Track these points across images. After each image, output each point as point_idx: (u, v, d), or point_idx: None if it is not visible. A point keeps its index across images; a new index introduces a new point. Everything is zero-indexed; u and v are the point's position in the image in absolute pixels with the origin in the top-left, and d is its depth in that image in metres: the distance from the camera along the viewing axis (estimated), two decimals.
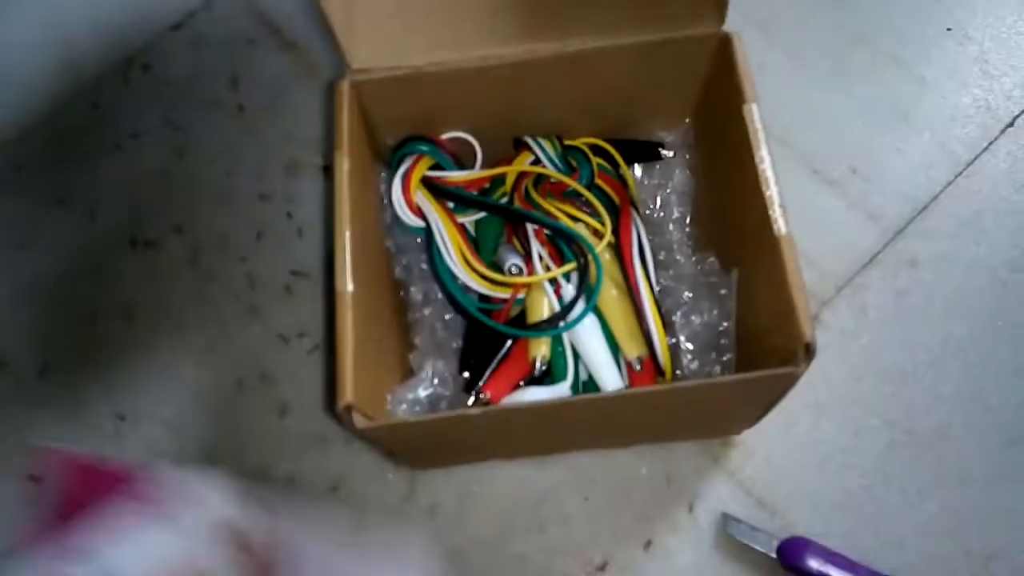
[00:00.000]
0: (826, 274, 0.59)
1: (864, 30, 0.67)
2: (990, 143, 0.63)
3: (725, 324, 0.50)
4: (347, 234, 0.44)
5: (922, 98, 0.65)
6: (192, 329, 0.61)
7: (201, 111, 0.68)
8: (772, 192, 0.44)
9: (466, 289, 0.52)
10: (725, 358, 0.51)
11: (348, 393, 0.41)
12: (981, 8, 0.67)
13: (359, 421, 0.41)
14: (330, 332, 0.46)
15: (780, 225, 0.43)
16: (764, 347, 0.46)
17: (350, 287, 0.43)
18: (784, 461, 0.54)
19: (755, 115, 0.46)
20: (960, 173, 0.62)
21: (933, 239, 0.60)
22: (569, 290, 0.49)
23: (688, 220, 0.57)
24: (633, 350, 0.48)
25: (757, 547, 0.51)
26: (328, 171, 0.64)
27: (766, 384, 0.42)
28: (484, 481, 0.55)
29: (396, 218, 0.53)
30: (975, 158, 0.62)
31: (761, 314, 0.46)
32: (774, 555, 0.51)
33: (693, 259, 0.54)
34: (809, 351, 0.41)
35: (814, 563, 0.50)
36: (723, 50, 0.49)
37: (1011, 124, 0.63)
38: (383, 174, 0.54)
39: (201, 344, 0.60)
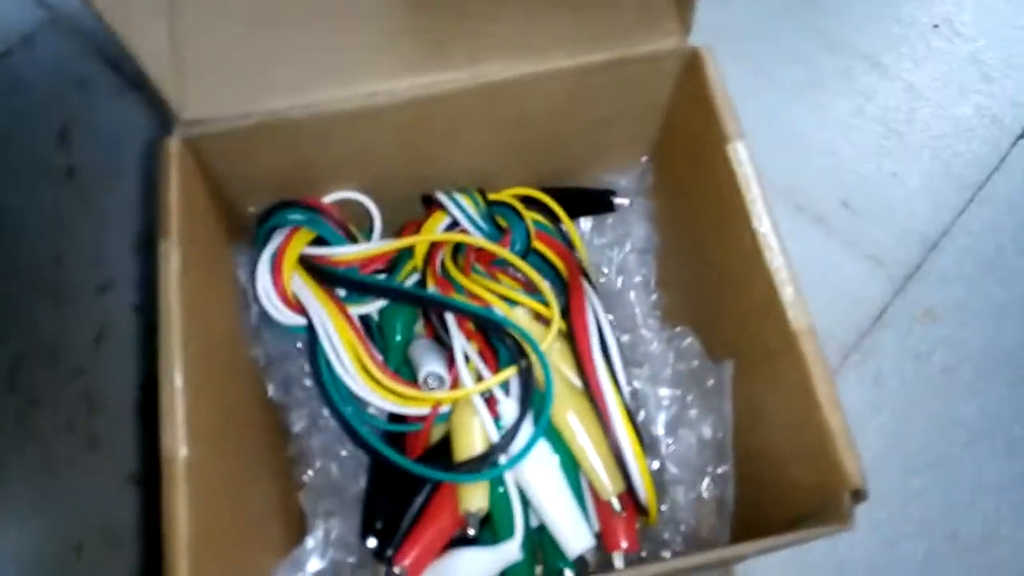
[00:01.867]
0: (828, 336, 0.47)
1: (837, 33, 0.56)
2: (1001, 160, 0.52)
3: (718, 434, 0.37)
4: (177, 365, 0.30)
5: (915, 110, 0.54)
6: (12, 476, 0.45)
7: (20, 178, 0.53)
8: (779, 265, 0.32)
9: (366, 406, 0.38)
10: (719, 471, 0.38)
11: None
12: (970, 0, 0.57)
13: None
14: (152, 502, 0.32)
15: (797, 313, 0.31)
16: (778, 473, 0.33)
17: (183, 451, 0.29)
18: None
19: (743, 158, 0.34)
20: (971, 200, 0.51)
21: (949, 284, 0.49)
22: (509, 406, 0.35)
23: (653, 283, 0.44)
24: (607, 484, 0.34)
25: None
26: None
27: (797, 542, 0.30)
28: None
29: (265, 316, 0.39)
30: (986, 179, 0.52)
31: (772, 429, 0.34)
32: None
33: (665, 337, 0.42)
34: (858, 497, 0.28)
35: None
36: (690, 70, 0.37)
37: (1022, 135, 0.53)
38: (242, 256, 0.40)
39: (24, 496, 0.45)
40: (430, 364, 0.38)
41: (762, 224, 0.32)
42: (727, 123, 0.34)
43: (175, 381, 0.30)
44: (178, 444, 0.29)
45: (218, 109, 0.36)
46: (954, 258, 0.49)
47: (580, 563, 0.35)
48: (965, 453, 0.45)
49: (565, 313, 0.38)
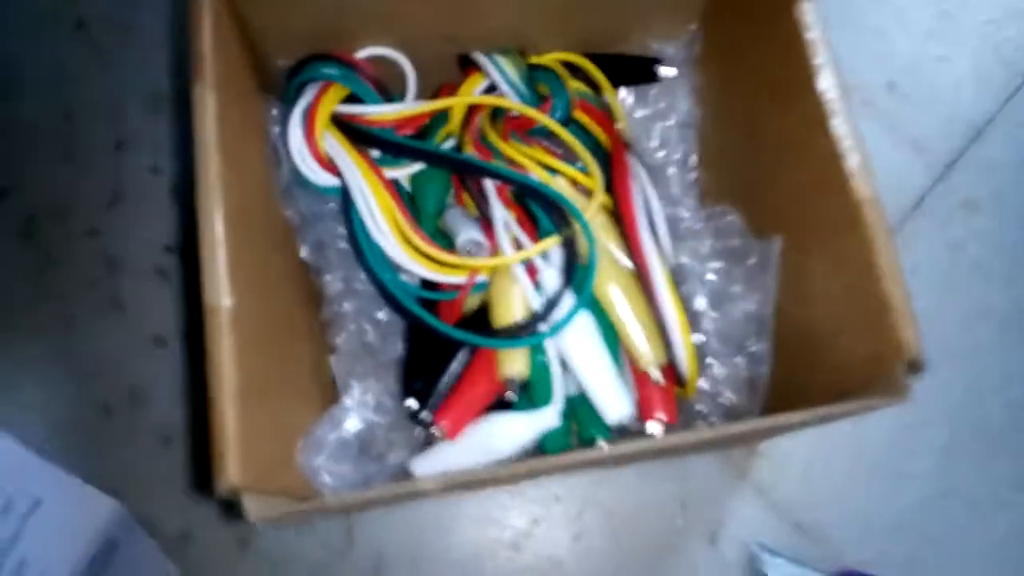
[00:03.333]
0: None
1: None
2: None
3: (760, 310, 0.36)
4: (218, 216, 0.29)
5: None
6: (31, 332, 0.44)
7: (25, 27, 0.50)
8: (844, 132, 0.30)
9: (401, 272, 0.37)
10: (753, 349, 0.38)
11: (232, 470, 0.26)
12: None
13: (254, 509, 0.26)
14: (193, 353, 0.31)
15: (862, 183, 0.29)
16: (824, 350, 0.33)
17: (227, 301, 0.28)
18: (825, 473, 0.42)
19: (811, 18, 0.32)
20: (1019, 88, 0.49)
21: (991, 174, 0.48)
22: (551, 275, 0.35)
23: (691, 162, 0.43)
24: (649, 357, 0.34)
25: None
26: None
27: (848, 413, 0.30)
28: (442, 521, 0.41)
29: (297, 175, 0.37)
30: None
31: (818, 306, 0.33)
32: None
33: (704, 216, 0.40)
34: (915, 368, 0.28)
35: None
36: None
37: None
38: (274, 111, 0.38)
39: (46, 351, 0.44)
40: (469, 231, 0.37)
41: (829, 89, 0.31)
42: None
43: (216, 229, 0.28)
44: (221, 294, 0.28)
45: None
46: (998, 148, 0.48)
47: (617, 431, 0.35)
48: (994, 344, 0.45)
49: (609, 186, 0.37)
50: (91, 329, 0.44)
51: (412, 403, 0.35)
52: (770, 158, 0.36)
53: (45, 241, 0.46)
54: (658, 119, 0.42)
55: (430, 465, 0.34)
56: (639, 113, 0.42)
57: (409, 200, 0.40)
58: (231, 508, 0.26)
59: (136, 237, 0.45)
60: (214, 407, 0.27)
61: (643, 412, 0.35)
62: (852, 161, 0.30)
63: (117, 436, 0.42)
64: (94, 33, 0.50)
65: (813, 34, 0.32)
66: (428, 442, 0.36)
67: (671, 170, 0.42)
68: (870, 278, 0.29)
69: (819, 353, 0.33)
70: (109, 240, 0.46)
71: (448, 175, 0.40)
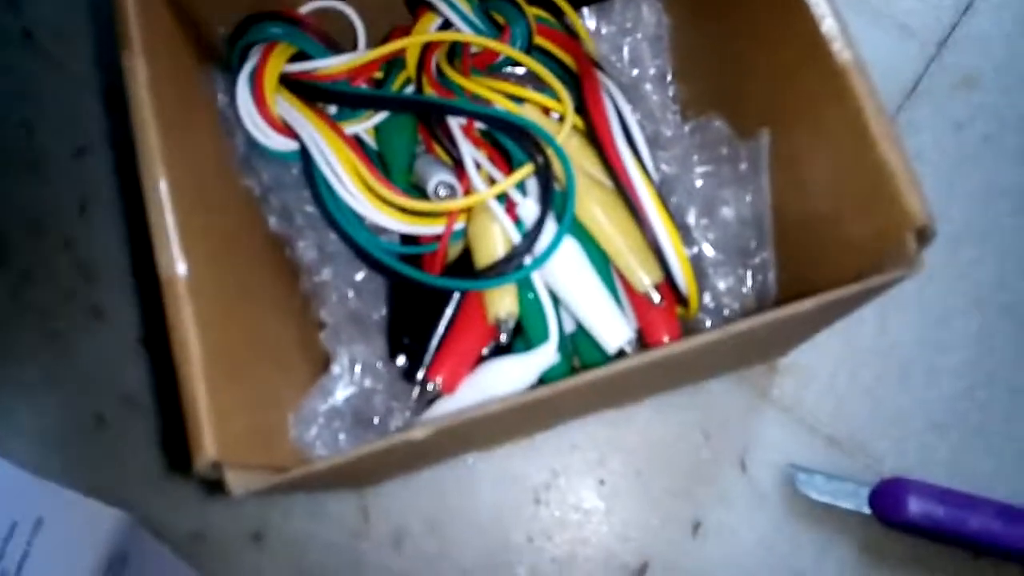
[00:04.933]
0: None
1: None
2: None
3: (756, 212, 0.34)
4: (162, 182, 0.27)
5: None
6: (17, 353, 0.43)
7: None
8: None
9: (376, 230, 0.36)
10: (758, 259, 0.35)
11: (208, 442, 0.24)
12: None
13: (236, 481, 0.25)
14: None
15: (842, 48, 0.27)
16: (829, 240, 0.30)
17: (181, 268, 0.26)
18: (853, 381, 0.40)
19: None
20: None
21: (986, 47, 0.45)
22: (529, 206, 0.33)
23: (669, 75, 0.41)
24: (643, 276, 0.32)
25: (841, 504, 0.38)
26: None
27: (855, 300, 0.27)
28: (460, 485, 0.40)
29: (253, 143, 0.36)
30: None
31: (820, 192, 0.31)
32: (867, 510, 0.37)
33: (687, 128, 0.38)
34: (924, 237, 0.26)
35: (920, 508, 0.37)
36: None
37: None
38: (221, 82, 0.36)
39: (33, 371, 0.43)
40: (439, 173, 0.35)
41: None
42: None
43: (161, 195, 0.27)
44: (175, 261, 0.26)
45: None
46: (990, 18, 0.45)
47: (621, 358, 0.33)
48: (1013, 222, 0.42)
49: (580, 107, 0.35)
50: (75, 341, 0.43)
51: (402, 360, 0.33)
52: (746, 47, 0.34)
53: (19, 259, 0.44)
54: (625, 35, 0.40)
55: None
56: (604, 31, 0.40)
57: (377, 158, 0.38)
58: (216, 487, 0.25)
59: (108, 242, 0.44)
60: (182, 376, 0.25)
61: (647, 337, 0.33)
62: (827, 26, 0.27)
63: (115, 444, 0.41)
64: (40, 41, 0.48)
65: None
66: (428, 401, 0.34)
67: (647, 86, 0.40)
68: (864, 147, 0.26)
69: (824, 244, 0.31)
70: (81, 248, 0.44)
71: (414, 125, 0.38)
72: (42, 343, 0.43)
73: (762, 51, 0.32)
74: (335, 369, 0.33)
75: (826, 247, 0.31)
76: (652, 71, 0.40)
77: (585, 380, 0.26)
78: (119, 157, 0.45)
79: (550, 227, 0.32)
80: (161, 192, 0.27)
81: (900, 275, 0.26)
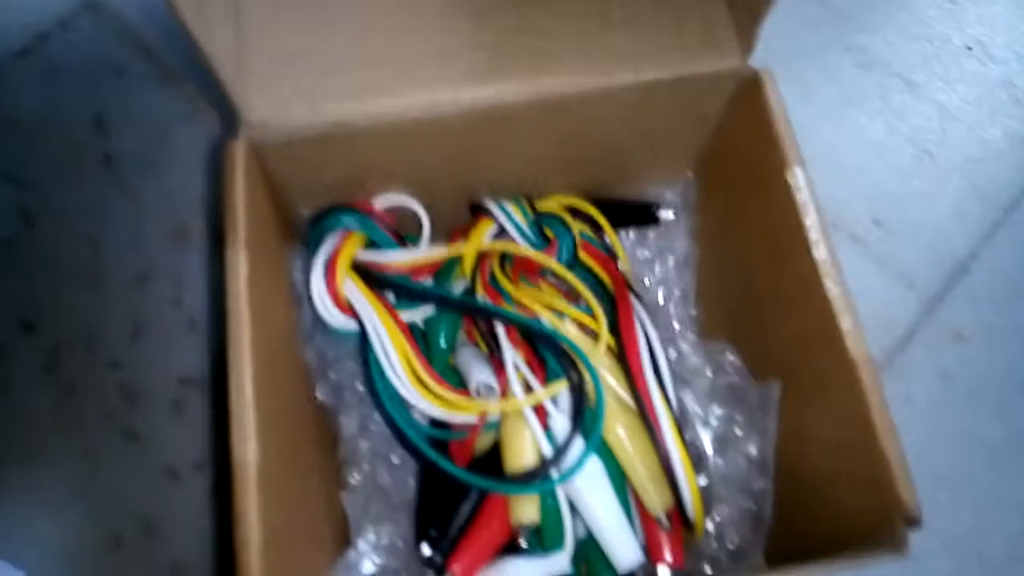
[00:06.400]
0: None
1: (870, 50, 0.57)
2: None
3: (761, 453, 0.38)
4: (247, 373, 0.30)
5: (946, 131, 0.55)
6: (49, 463, 0.45)
7: (56, 163, 0.53)
8: (838, 294, 0.32)
9: (413, 410, 0.39)
10: (757, 487, 0.39)
11: None
12: (1003, 23, 0.58)
13: None
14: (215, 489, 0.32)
15: (857, 344, 0.31)
16: (822, 497, 0.34)
17: (254, 456, 0.29)
18: None
19: (802, 184, 0.34)
20: (1000, 222, 0.52)
21: (978, 305, 0.50)
22: (560, 419, 0.36)
23: (692, 298, 0.45)
24: (656, 503, 0.35)
25: None
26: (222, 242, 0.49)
27: (851, 567, 0.31)
28: None
29: (318, 319, 0.39)
30: (1015, 203, 0.52)
31: (819, 454, 0.34)
32: None
33: (703, 351, 0.42)
34: (911, 523, 0.29)
35: None
36: (748, 90, 0.37)
37: None
38: (296, 258, 0.40)
39: (63, 484, 0.45)
40: (481, 373, 0.38)
41: (820, 251, 0.33)
42: (787, 148, 0.35)
43: (246, 391, 0.30)
44: (248, 451, 0.29)
45: (280, 113, 0.36)
46: (983, 281, 0.50)
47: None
48: (990, 473, 0.46)
49: (613, 327, 0.39)
50: (106, 460, 0.45)
51: (426, 549, 0.35)
52: (766, 305, 0.38)
53: (67, 373, 0.47)
54: (657, 259, 0.45)
55: None
56: (640, 254, 0.45)
57: (421, 337, 0.42)
58: None
59: (155, 369, 0.47)
60: (240, 563, 0.28)
61: (652, 556, 0.36)
62: (846, 323, 0.32)
63: (128, 569, 0.43)
64: (120, 168, 0.52)
65: (804, 196, 0.34)
66: None
67: (671, 307, 0.44)
68: (866, 434, 0.30)
69: (819, 499, 0.34)
70: (128, 371, 0.47)
71: (459, 316, 0.42)
72: (74, 458, 0.45)
73: (781, 314, 0.37)
74: (361, 544, 0.36)
75: (822, 503, 0.34)
76: (677, 292, 0.45)
77: None
78: (176, 292, 0.49)
79: (577, 444, 0.36)
80: (246, 393, 0.30)
81: (890, 556, 0.29)
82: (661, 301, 0.44)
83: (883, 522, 0.29)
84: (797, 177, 0.34)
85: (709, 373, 0.41)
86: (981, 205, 0.52)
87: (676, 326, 0.44)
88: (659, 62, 0.37)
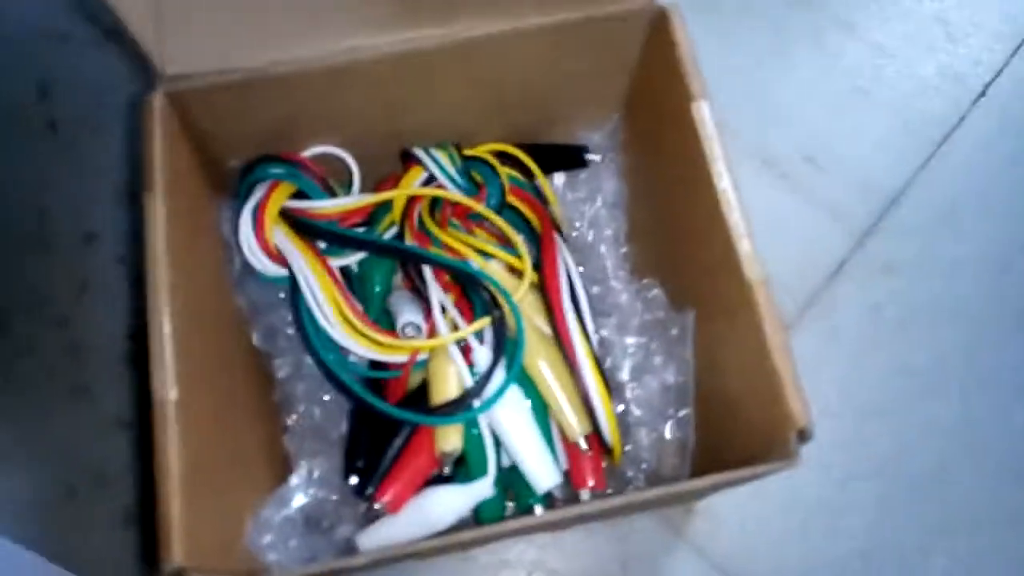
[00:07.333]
0: (788, 290, 0.49)
1: None
2: (961, 118, 0.54)
3: (680, 379, 0.39)
4: (165, 313, 0.31)
5: (881, 69, 0.55)
6: (0, 420, 0.47)
7: (1, 130, 0.53)
8: (737, 220, 0.33)
9: (349, 354, 0.40)
10: (681, 414, 0.40)
11: (176, 553, 0.28)
12: None
13: None
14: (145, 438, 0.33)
15: (752, 266, 0.32)
16: (734, 416, 0.35)
17: (172, 394, 0.30)
18: (760, 528, 0.44)
19: (706, 116, 0.35)
20: (930, 156, 0.53)
21: (907, 238, 0.51)
22: (483, 353, 0.37)
23: (622, 237, 0.46)
24: (575, 428, 0.37)
25: None
26: None
27: (746, 479, 0.32)
28: None
29: (248, 267, 0.40)
30: (945, 137, 0.53)
31: (729, 375, 0.36)
32: None
33: (634, 289, 0.43)
34: (804, 437, 0.31)
35: None
36: (657, 28, 0.38)
37: (983, 94, 0.54)
38: (226, 209, 0.41)
39: (15, 440, 0.46)
40: (408, 314, 0.39)
41: (722, 181, 0.34)
42: (692, 82, 0.36)
43: (163, 328, 0.31)
44: (167, 388, 0.30)
45: (199, 64, 0.36)
46: (912, 214, 0.51)
47: (548, 499, 0.37)
48: (918, 400, 0.47)
49: (537, 266, 0.40)
50: (58, 415, 0.46)
51: (354, 480, 0.37)
52: (682, 238, 0.39)
53: (16, 334, 0.48)
54: (588, 200, 0.46)
55: (374, 538, 0.37)
56: (571, 196, 0.46)
57: (358, 282, 0.43)
58: None
59: (102, 325, 0.48)
60: (160, 494, 0.29)
61: (574, 480, 0.37)
62: (744, 247, 0.33)
63: (81, 517, 0.44)
64: (65, 133, 0.53)
65: (708, 129, 0.35)
66: (374, 515, 0.38)
67: (602, 247, 0.45)
68: (762, 354, 0.31)
69: (729, 421, 0.36)
70: (75, 329, 0.48)
71: (393, 262, 0.43)
72: (27, 414, 0.46)
73: (693, 245, 0.38)
74: (294, 480, 0.37)
75: (733, 422, 0.35)
76: (608, 233, 0.46)
77: (510, 527, 0.30)
78: (123, 250, 0.50)
79: (499, 374, 0.37)
80: (163, 329, 0.31)
81: (781, 467, 0.30)
82: (592, 241, 0.45)
83: (779, 436, 0.31)
84: (702, 110, 0.35)
85: (638, 308, 0.42)
86: (912, 140, 0.53)
87: (608, 265, 0.45)
88: (567, 3, 0.37)
